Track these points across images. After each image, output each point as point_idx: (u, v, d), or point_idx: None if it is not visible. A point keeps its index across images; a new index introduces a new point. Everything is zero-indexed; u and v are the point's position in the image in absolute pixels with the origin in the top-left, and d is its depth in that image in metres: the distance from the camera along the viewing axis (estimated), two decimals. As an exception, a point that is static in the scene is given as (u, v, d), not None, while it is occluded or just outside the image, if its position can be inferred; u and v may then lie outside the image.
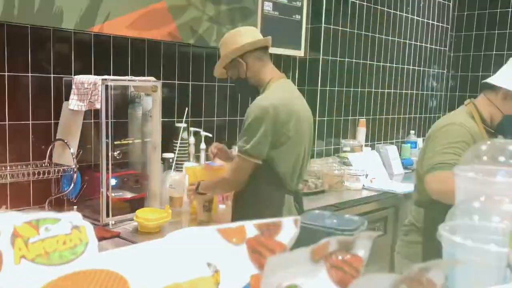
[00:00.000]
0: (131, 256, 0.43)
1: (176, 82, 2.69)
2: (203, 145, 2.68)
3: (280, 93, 1.94)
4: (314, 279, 0.47)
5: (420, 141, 4.16)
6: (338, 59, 3.50)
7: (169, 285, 0.43)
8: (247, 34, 1.99)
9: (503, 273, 0.64)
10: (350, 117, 3.70)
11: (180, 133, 2.50)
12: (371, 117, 3.89)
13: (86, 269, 0.40)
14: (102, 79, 1.99)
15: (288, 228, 0.50)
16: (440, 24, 4.47)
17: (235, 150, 2.26)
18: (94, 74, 2.22)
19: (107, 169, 2.06)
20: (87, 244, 0.42)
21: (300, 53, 3.31)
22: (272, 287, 0.45)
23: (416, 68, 4.31)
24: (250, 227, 0.49)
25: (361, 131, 3.72)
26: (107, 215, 2.05)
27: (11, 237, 0.39)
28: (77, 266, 0.41)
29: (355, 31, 3.60)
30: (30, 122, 2.15)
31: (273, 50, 2.07)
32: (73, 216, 0.43)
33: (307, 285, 0.46)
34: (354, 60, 3.64)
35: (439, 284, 0.45)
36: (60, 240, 0.41)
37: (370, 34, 3.74)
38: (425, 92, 4.47)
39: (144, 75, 2.39)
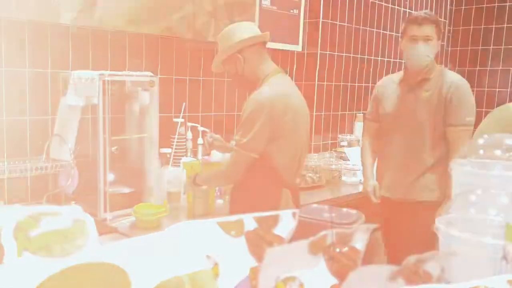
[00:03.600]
0: (132, 249, 0.43)
1: (174, 77, 2.68)
2: (200, 140, 2.68)
3: (277, 88, 1.94)
4: (312, 271, 0.47)
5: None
6: (335, 53, 3.49)
7: (169, 278, 0.43)
8: (246, 29, 1.99)
9: (499, 265, 0.64)
10: (347, 112, 3.71)
11: (178, 128, 2.50)
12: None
13: (87, 262, 0.41)
14: (100, 74, 1.98)
15: (286, 221, 0.51)
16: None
17: (232, 145, 2.26)
18: (92, 69, 2.22)
19: (105, 164, 2.06)
20: (88, 237, 0.43)
21: (297, 47, 3.31)
22: (270, 279, 0.45)
23: (413, 62, 4.30)
24: (249, 220, 0.50)
25: (358, 126, 3.73)
26: (105, 210, 2.05)
27: (13, 231, 0.40)
28: (78, 259, 0.41)
29: (353, 25, 3.60)
30: (28, 117, 2.15)
31: (270, 45, 2.07)
32: (74, 210, 0.43)
33: (306, 277, 0.47)
34: (351, 55, 3.64)
35: (436, 276, 0.45)
36: (61, 233, 0.41)
37: (368, 28, 3.74)
38: (422, 87, 4.46)
39: (141, 70, 2.38)
